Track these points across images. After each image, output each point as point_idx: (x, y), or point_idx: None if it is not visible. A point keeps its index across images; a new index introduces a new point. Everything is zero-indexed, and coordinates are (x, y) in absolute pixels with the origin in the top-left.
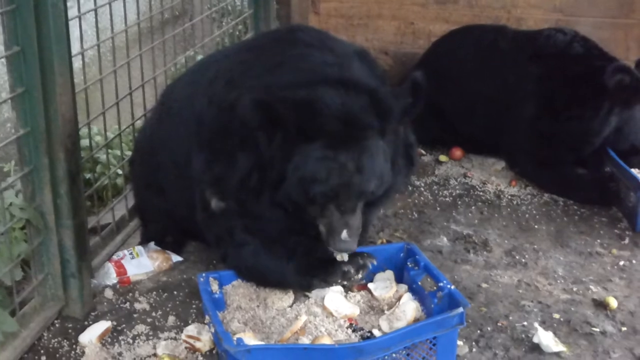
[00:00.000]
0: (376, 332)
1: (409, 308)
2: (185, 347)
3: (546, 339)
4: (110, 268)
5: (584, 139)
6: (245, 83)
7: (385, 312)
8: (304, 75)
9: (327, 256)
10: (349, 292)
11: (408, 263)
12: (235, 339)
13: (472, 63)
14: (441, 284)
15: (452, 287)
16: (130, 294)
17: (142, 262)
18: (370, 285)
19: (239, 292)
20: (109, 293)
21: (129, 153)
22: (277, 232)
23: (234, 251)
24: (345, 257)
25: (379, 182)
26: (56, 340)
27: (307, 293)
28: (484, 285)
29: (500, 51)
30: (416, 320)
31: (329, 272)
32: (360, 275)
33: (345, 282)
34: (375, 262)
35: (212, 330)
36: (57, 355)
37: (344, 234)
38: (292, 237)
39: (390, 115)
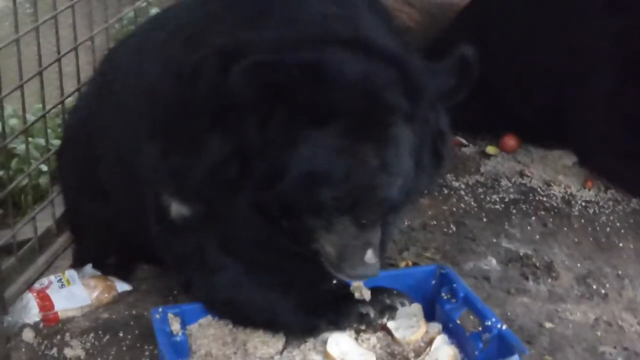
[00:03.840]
0: None
1: (443, 356)
2: None
3: None
4: (31, 300)
5: None
6: (212, 40)
7: None
8: (301, 31)
9: (339, 289)
10: (361, 333)
11: (442, 293)
12: None
13: (526, 19)
14: (488, 323)
15: (504, 326)
16: (59, 337)
17: (74, 293)
18: (390, 324)
19: (208, 334)
20: (29, 335)
21: (57, 142)
22: (263, 249)
23: (203, 277)
24: (367, 294)
25: (403, 184)
26: None
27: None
28: (548, 324)
29: (564, 2)
30: None
31: (341, 313)
32: (384, 320)
33: (362, 327)
34: (406, 303)
35: None
36: None
37: (368, 255)
38: (288, 258)
39: (422, 96)
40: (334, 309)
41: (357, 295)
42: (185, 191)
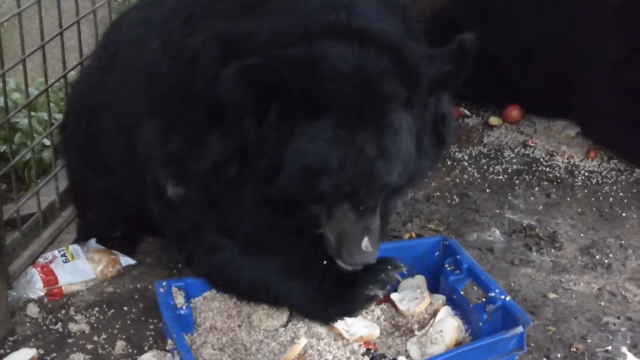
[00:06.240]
0: None
1: (447, 327)
2: None
3: None
4: (35, 275)
5: None
6: (211, 24)
7: (416, 332)
8: (298, 22)
9: (344, 273)
10: None
11: (446, 265)
12: None
13: None
14: (492, 294)
15: (508, 298)
16: (63, 311)
17: (79, 267)
18: (393, 296)
19: (213, 307)
20: (33, 310)
21: (60, 116)
22: (264, 234)
23: (203, 255)
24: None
25: (402, 169)
26: None
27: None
28: (552, 295)
29: None
30: (458, 343)
31: (351, 302)
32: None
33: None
34: (404, 271)
35: (177, 359)
36: None
37: (365, 242)
38: (287, 239)
39: (419, 82)
40: (342, 299)
41: (348, 268)
42: (182, 177)
